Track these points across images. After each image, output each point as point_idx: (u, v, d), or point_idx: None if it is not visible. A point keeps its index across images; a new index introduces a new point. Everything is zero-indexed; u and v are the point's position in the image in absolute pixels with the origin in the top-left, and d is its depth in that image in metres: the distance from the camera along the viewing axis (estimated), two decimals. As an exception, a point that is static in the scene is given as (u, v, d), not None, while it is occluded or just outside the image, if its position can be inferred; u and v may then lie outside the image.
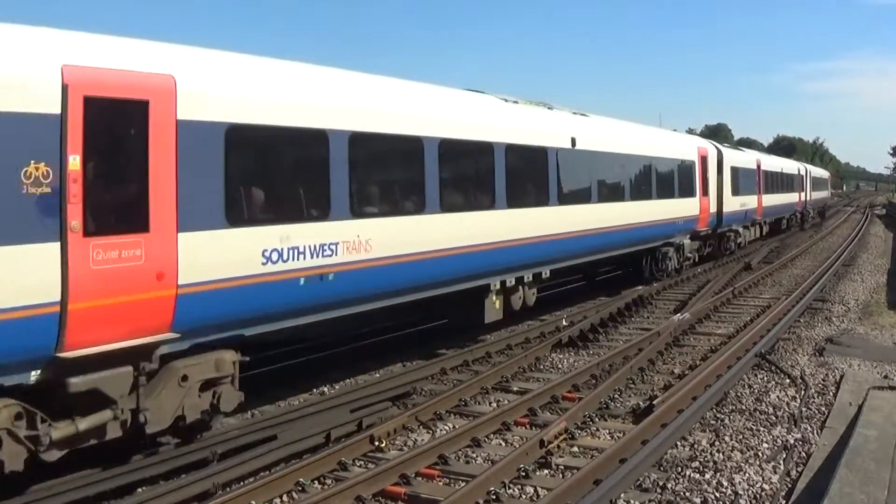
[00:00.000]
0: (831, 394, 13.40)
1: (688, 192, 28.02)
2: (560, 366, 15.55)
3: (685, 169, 28.03)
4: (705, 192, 29.93)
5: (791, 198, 53.44)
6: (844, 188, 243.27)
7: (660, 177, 25.29)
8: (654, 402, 12.11)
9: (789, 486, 9.55)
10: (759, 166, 41.38)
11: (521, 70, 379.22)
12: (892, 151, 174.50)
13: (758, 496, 9.26)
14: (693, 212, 28.35)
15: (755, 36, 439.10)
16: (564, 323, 18.63)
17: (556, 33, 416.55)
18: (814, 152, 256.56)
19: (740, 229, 36.57)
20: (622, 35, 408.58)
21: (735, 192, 34.67)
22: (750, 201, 37.91)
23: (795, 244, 42.91)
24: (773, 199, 45.07)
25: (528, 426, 11.73)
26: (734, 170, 35.07)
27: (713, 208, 31.05)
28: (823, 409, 12.59)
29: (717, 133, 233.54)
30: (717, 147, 33.78)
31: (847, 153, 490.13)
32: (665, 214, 25.38)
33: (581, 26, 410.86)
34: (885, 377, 14.40)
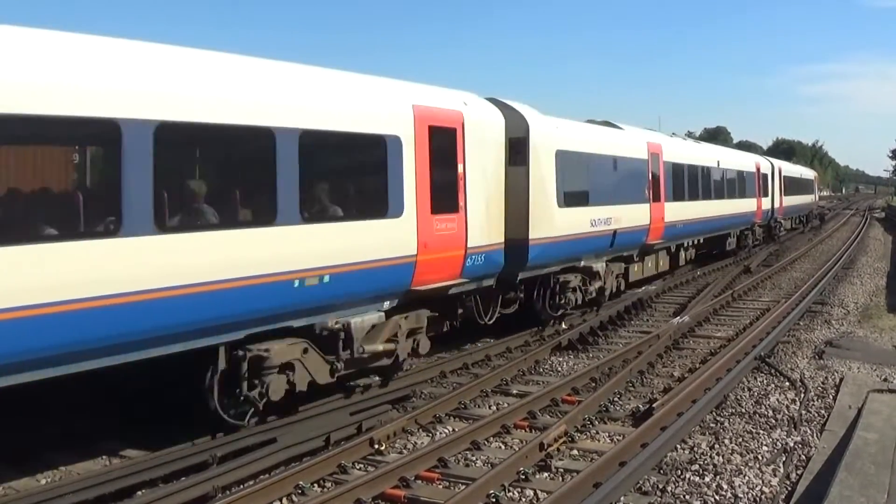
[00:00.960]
0: (831, 397, 13.40)
1: (368, 208, 12.66)
2: (560, 369, 15.55)
3: (358, 158, 12.87)
4: (448, 205, 14.00)
5: (740, 206, 36.05)
6: (844, 191, 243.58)
7: (219, 176, 11.12)
8: (654, 405, 12.12)
9: (789, 489, 9.55)
10: (658, 155, 24.93)
11: (519, 70, 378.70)
12: (891, 154, 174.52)
13: (758, 499, 9.26)
14: (391, 251, 12.58)
15: (753, 38, 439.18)
16: (564, 326, 18.62)
17: (556, 34, 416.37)
18: (813, 155, 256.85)
19: (599, 267, 19.95)
20: (623, 36, 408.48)
21: (569, 200, 18.28)
22: (625, 215, 21.24)
23: (795, 247, 42.88)
24: (693, 210, 28.46)
25: (527, 429, 11.73)
26: (566, 157, 18.29)
27: (489, 236, 15.13)
28: (823, 412, 12.59)
29: (716, 136, 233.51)
30: (502, 109, 16.44)
31: (846, 156, 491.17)
32: (227, 270, 10.00)
33: (580, 27, 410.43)
34: (885, 380, 14.40)
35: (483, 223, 14.87)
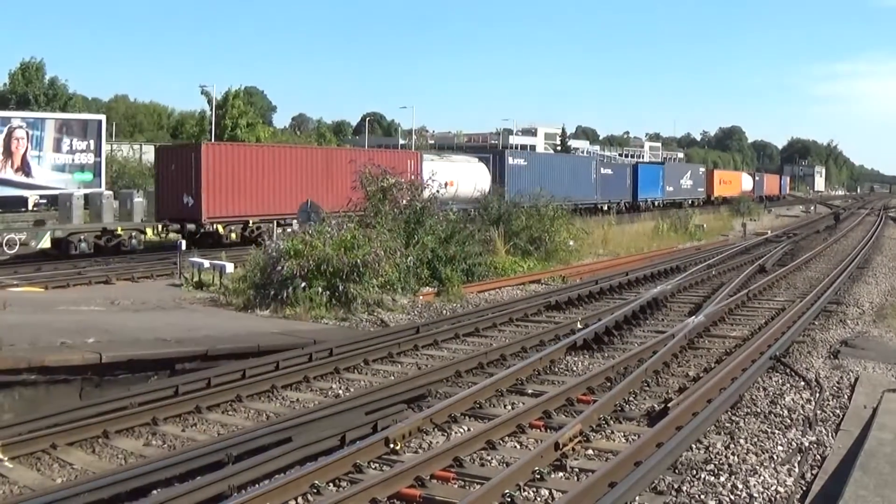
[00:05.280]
0: (846, 396, 13.38)
1: None
2: (575, 368, 15.55)
3: None
4: None
5: None
6: (859, 190, 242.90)
7: None
8: (669, 405, 12.12)
9: (804, 488, 9.55)
10: None
11: (529, 68, 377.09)
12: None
13: (773, 499, 9.25)
14: None
15: (767, 38, 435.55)
16: (579, 325, 18.63)
17: (565, 34, 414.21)
18: (828, 155, 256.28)
19: None
20: (635, 37, 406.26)
21: None
22: None
23: (810, 247, 42.78)
24: None
25: (542, 429, 11.74)
26: None
27: None
28: (838, 411, 12.58)
29: (730, 135, 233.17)
30: None
31: (861, 156, 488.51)
32: None
33: (590, 27, 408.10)
34: (900, 380, 14.38)
35: None
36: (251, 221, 39.10)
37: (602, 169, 73.76)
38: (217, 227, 37.81)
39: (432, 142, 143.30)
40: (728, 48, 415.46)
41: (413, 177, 44.67)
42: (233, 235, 38.27)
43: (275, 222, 39.80)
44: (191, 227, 37.12)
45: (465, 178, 50.78)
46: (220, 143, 47.28)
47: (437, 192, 30.13)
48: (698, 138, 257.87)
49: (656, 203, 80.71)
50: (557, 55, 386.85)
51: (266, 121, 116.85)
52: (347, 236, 21.59)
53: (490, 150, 73.21)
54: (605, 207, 67.37)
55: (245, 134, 77.32)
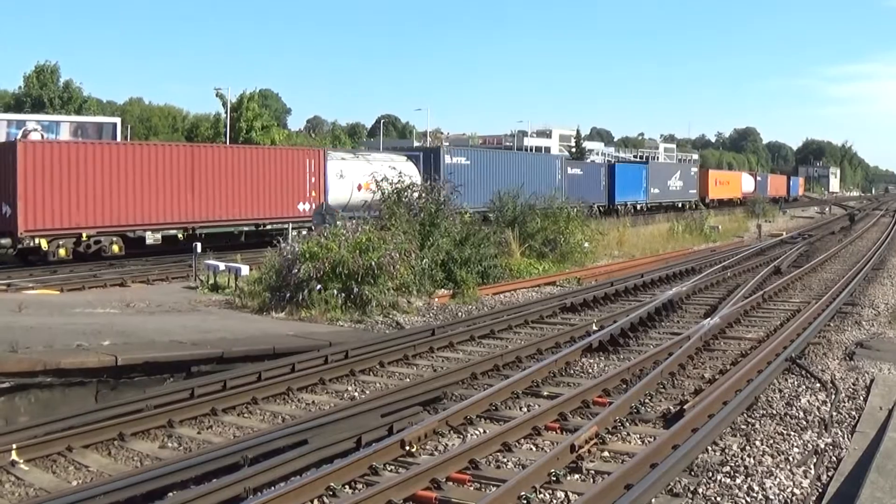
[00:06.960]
0: (861, 398, 13.32)
1: None
2: (590, 370, 15.53)
3: None
4: None
5: None
6: (873, 191, 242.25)
7: None
8: (685, 407, 12.09)
9: (820, 490, 9.51)
10: None
11: (545, 69, 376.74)
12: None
13: (788, 501, 9.23)
14: None
15: (782, 39, 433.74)
16: (594, 327, 18.59)
17: (581, 35, 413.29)
18: (843, 156, 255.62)
19: None
20: (650, 39, 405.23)
21: None
22: None
23: (824, 248, 42.64)
24: None
25: (558, 431, 11.71)
26: None
27: None
28: (854, 413, 12.53)
29: (745, 137, 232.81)
30: None
31: (876, 156, 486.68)
32: None
33: (604, 29, 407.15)
34: (917, 381, 14.31)
35: None
36: (86, 235, 33.14)
37: (570, 169, 67.44)
38: (40, 242, 31.72)
39: (447, 143, 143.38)
40: (743, 50, 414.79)
41: (313, 178, 41.19)
42: (61, 251, 32.32)
43: (120, 236, 34.68)
44: (5, 241, 31.70)
45: None
46: (43, 142, 40.34)
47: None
48: (713, 140, 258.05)
49: (638, 207, 75.06)
50: (573, 57, 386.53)
51: (281, 123, 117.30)
52: (362, 238, 21.63)
53: (422, 149, 65.09)
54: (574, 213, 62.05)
55: (260, 136, 77.70)
